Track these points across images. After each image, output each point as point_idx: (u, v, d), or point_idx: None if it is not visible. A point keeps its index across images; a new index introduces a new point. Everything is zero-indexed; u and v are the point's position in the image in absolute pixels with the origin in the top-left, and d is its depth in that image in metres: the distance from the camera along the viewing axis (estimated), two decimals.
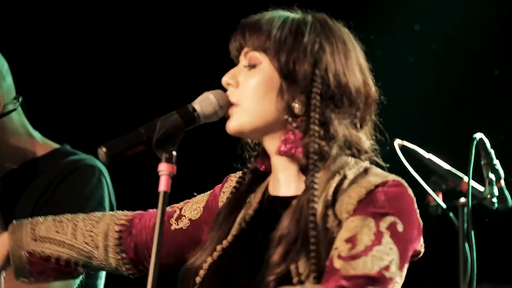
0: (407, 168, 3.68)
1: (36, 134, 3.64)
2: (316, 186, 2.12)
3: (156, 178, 2.08)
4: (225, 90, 2.26)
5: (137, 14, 4.93)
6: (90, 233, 2.46)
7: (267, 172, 2.33)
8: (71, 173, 3.46)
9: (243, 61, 2.23)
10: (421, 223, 2.14)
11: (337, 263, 2.00)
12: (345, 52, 2.24)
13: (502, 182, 3.60)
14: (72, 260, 2.49)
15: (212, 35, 4.59)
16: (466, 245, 3.56)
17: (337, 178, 2.16)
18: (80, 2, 4.91)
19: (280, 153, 2.20)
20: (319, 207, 2.10)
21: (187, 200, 2.46)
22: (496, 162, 3.59)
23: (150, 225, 2.43)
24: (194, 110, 2.19)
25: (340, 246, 1.99)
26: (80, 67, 4.93)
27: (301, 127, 2.17)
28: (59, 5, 4.89)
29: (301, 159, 2.18)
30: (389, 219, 2.04)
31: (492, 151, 3.57)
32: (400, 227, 2.06)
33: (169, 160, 2.06)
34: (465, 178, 3.62)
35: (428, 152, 3.71)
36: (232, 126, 2.20)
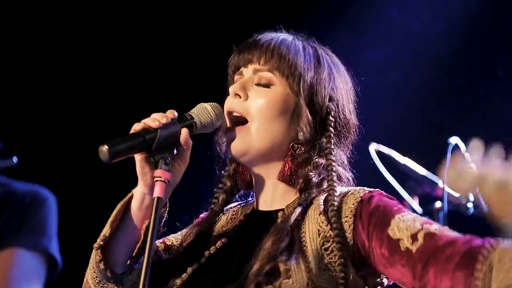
0: (382, 173, 3.68)
1: None
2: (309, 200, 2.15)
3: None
4: (217, 100, 2.23)
5: (125, 21, 4.91)
6: None
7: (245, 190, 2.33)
8: (30, 201, 3.49)
9: (248, 75, 2.21)
10: None
11: (442, 237, 2.00)
12: (346, 87, 2.29)
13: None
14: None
15: (200, 46, 4.59)
16: None
17: (324, 194, 2.17)
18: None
19: (281, 179, 2.20)
20: (315, 214, 2.12)
21: (166, 237, 2.43)
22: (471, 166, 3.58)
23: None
24: (192, 118, 2.17)
25: (419, 232, 2.01)
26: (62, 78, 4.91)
27: (302, 156, 2.18)
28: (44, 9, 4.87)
29: (299, 185, 2.20)
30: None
31: (468, 156, 3.57)
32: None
33: (165, 167, 2.04)
34: (441, 183, 3.63)
35: (404, 156, 3.71)
36: (239, 146, 2.17)
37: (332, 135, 2.19)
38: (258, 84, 2.19)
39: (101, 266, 2.16)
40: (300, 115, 2.18)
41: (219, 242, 2.23)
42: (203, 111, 2.17)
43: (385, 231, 2.04)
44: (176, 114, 2.12)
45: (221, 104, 2.23)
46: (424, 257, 1.97)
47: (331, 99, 2.20)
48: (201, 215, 2.38)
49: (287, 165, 2.20)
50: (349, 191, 2.14)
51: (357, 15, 4.49)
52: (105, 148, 2.01)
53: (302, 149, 2.18)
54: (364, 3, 4.56)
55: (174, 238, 2.34)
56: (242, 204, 2.34)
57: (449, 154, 3.51)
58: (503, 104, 4.36)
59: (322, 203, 2.14)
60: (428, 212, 3.64)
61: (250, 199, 2.34)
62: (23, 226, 3.47)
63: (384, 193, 2.15)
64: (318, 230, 2.08)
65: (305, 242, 2.08)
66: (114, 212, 2.18)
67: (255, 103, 2.17)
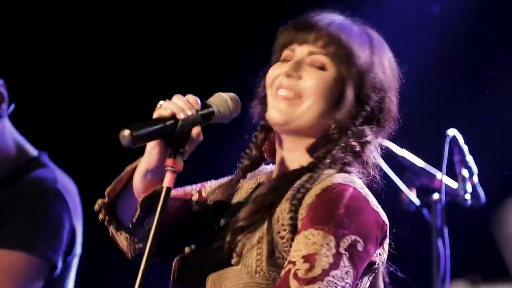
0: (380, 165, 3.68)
1: (21, 140, 3.61)
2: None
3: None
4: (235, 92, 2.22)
5: (126, 17, 4.91)
6: None
7: (267, 159, 2.34)
8: (28, 194, 3.45)
9: (301, 55, 2.21)
10: (384, 228, 2.12)
11: (292, 284, 2.00)
12: (394, 76, 2.32)
13: (475, 178, 3.61)
14: None
15: (201, 35, 4.59)
16: (440, 241, 3.57)
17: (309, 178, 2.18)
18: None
19: (307, 149, 2.21)
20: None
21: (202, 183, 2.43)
22: (469, 158, 3.59)
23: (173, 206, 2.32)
24: (211, 107, 2.15)
25: (297, 262, 1.99)
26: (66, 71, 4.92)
27: (336, 137, 2.20)
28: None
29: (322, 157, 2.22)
30: (350, 238, 2.01)
31: (465, 148, 3.58)
32: (360, 246, 2.01)
33: (178, 156, 2.03)
34: (439, 175, 3.63)
35: (402, 148, 3.71)
36: (284, 114, 2.19)
37: (361, 121, 2.21)
38: (311, 66, 2.22)
39: (106, 223, 2.22)
40: (344, 101, 2.21)
41: (230, 212, 2.24)
42: (222, 103, 2.15)
43: (294, 235, 2.05)
44: (199, 103, 2.10)
45: (237, 93, 2.21)
46: None
47: (374, 89, 2.23)
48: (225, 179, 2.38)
49: (317, 140, 2.21)
50: (322, 180, 2.13)
51: (353, 6, 4.49)
52: (127, 132, 1.98)
53: (338, 132, 2.21)
54: None
55: (194, 191, 2.34)
56: (265, 173, 2.34)
57: (446, 146, 3.52)
58: (501, 96, 4.37)
59: (296, 188, 2.14)
60: (426, 204, 3.64)
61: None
62: (6, 227, 3.40)
63: (344, 190, 2.10)
64: (278, 216, 2.09)
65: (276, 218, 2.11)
66: (122, 174, 2.20)
67: (307, 83, 2.19)
